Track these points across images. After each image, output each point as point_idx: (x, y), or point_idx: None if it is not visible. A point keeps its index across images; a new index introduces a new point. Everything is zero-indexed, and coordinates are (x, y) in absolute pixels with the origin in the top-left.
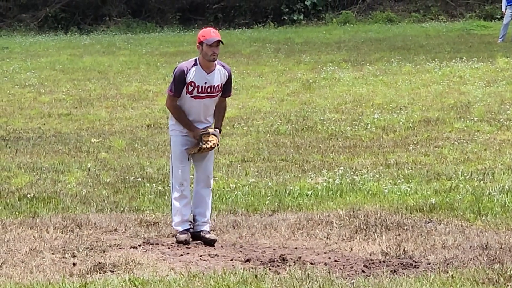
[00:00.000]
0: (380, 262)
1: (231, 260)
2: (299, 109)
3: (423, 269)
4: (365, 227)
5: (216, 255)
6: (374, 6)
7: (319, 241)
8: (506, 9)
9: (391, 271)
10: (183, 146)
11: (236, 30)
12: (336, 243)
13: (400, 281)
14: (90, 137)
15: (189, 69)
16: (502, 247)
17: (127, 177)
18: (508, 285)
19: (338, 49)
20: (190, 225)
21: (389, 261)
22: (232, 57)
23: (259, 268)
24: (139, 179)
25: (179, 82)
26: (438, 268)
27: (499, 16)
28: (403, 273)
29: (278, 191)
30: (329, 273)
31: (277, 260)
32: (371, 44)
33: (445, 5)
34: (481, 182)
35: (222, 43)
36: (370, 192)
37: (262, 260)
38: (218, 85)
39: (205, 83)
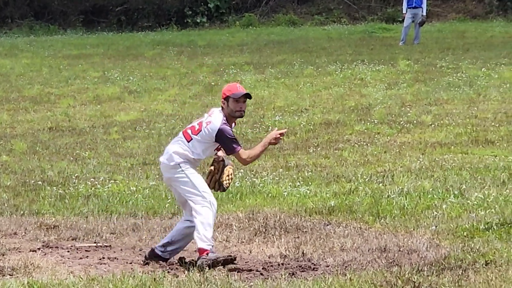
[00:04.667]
0: (278, 264)
1: (130, 263)
2: (201, 111)
3: (322, 271)
4: (264, 230)
5: (115, 258)
6: (277, 9)
7: (218, 243)
8: (406, 11)
9: (289, 273)
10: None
11: (139, 32)
12: (235, 245)
13: (298, 284)
14: None
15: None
16: (401, 249)
17: (28, 180)
18: None
19: (240, 51)
20: None
21: (288, 264)
22: (134, 60)
23: (158, 271)
24: (40, 182)
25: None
26: (337, 270)
27: (400, 19)
28: (302, 275)
29: None
30: (227, 276)
31: (176, 263)
32: (274, 46)
33: (347, 8)
34: (381, 184)
35: (250, 97)
36: (270, 195)
37: (161, 263)
38: None
39: None
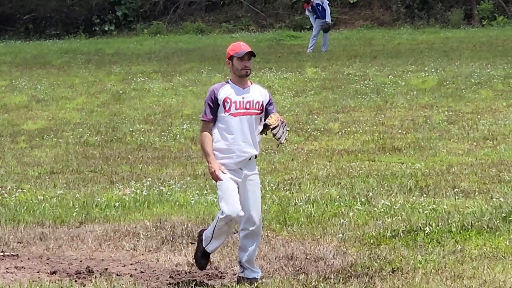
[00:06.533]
0: (186, 273)
1: (38, 272)
2: (109, 120)
3: (229, 280)
4: (171, 238)
5: (22, 267)
6: (185, 16)
7: (125, 252)
8: (315, 20)
9: (196, 282)
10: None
11: (47, 41)
12: (142, 254)
13: None
14: None
15: (220, 88)
16: (307, 257)
17: None
18: None
19: (148, 60)
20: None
21: (195, 272)
22: (42, 68)
23: (65, 280)
24: None
25: (211, 103)
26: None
27: (308, 26)
28: (209, 284)
29: (85, 203)
30: (134, 284)
31: (83, 272)
32: (182, 54)
33: (255, 16)
34: (288, 192)
35: (254, 55)
36: (177, 203)
37: (68, 272)
38: (258, 102)
39: (243, 98)
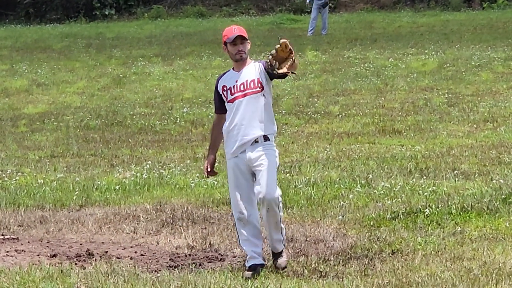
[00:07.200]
0: (186, 255)
1: (38, 255)
2: (109, 104)
3: (229, 262)
4: (171, 221)
5: (23, 250)
6: (186, 0)
7: (125, 235)
8: (312, 3)
9: (196, 264)
10: (233, 170)
11: (48, 25)
12: (142, 237)
13: (205, 274)
14: None
15: (220, 78)
16: (307, 239)
17: None
18: (312, 278)
19: (149, 44)
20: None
21: (195, 255)
22: (43, 52)
23: (65, 263)
24: None
25: (215, 95)
26: (244, 261)
27: (308, 10)
28: (209, 266)
29: (86, 186)
30: (134, 267)
31: (83, 255)
32: (182, 38)
33: None
34: (288, 175)
35: (246, 38)
36: (178, 186)
37: (68, 255)
38: (253, 80)
39: (236, 81)
